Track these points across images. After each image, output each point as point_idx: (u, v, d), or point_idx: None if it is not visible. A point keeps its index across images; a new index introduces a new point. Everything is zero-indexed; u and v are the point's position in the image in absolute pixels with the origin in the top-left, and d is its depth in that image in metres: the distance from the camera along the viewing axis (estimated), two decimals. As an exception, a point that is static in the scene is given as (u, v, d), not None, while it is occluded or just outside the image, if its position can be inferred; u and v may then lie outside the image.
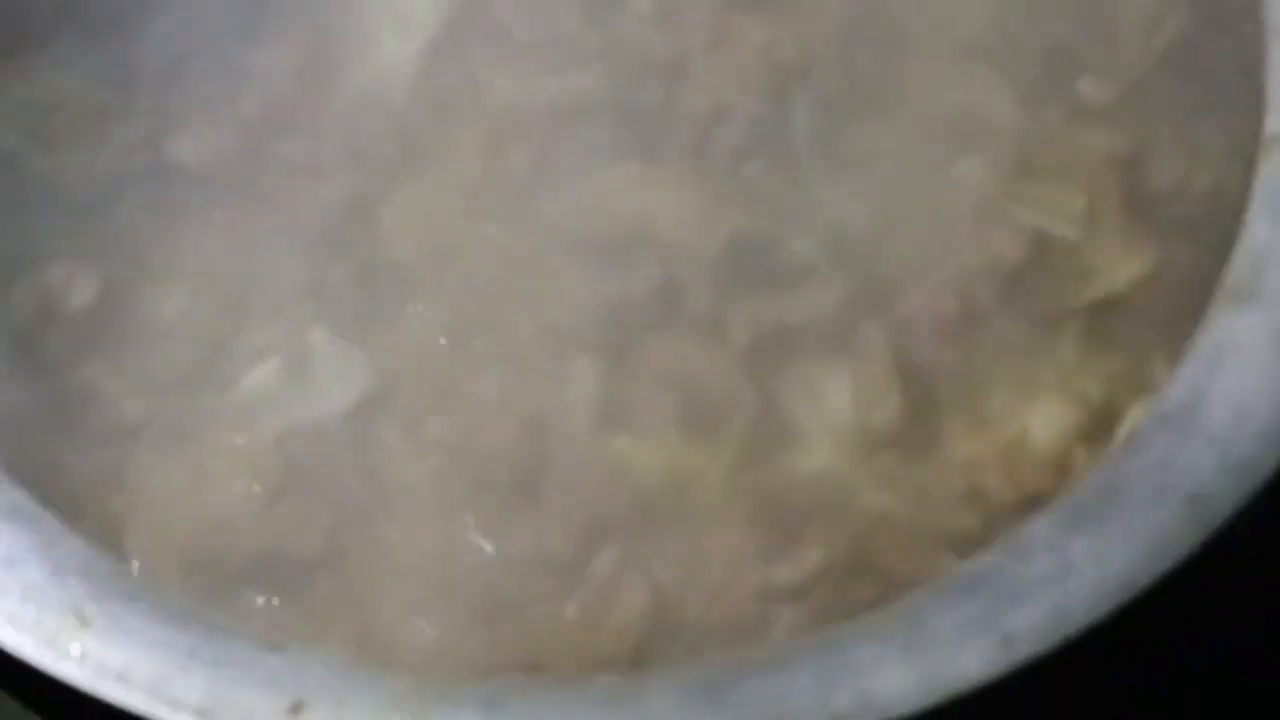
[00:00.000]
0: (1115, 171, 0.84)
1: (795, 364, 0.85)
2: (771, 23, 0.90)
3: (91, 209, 0.90)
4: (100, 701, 0.68)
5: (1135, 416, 0.77)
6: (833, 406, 0.85)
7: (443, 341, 0.88)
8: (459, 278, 0.89)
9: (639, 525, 0.82)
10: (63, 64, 0.91)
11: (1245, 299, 0.67)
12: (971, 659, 0.65)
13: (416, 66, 0.87)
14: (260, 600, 0.81)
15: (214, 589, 0.78)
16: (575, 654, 0.81)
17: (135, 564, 0.81)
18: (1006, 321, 0.84)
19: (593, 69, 0.87)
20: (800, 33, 0.89)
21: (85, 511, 0.75)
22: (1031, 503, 0.79)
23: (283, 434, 0.85)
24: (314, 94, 0.86)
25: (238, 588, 0.79)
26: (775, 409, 0.84)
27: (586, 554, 0.81)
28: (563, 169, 0.90)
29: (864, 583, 0.80)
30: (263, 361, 0.86)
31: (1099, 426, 0.83)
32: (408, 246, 0.88)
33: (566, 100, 0.89)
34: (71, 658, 0.67)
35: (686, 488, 0.83)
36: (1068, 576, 0.68)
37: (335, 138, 0.85)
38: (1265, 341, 0.72)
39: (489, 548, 0.83)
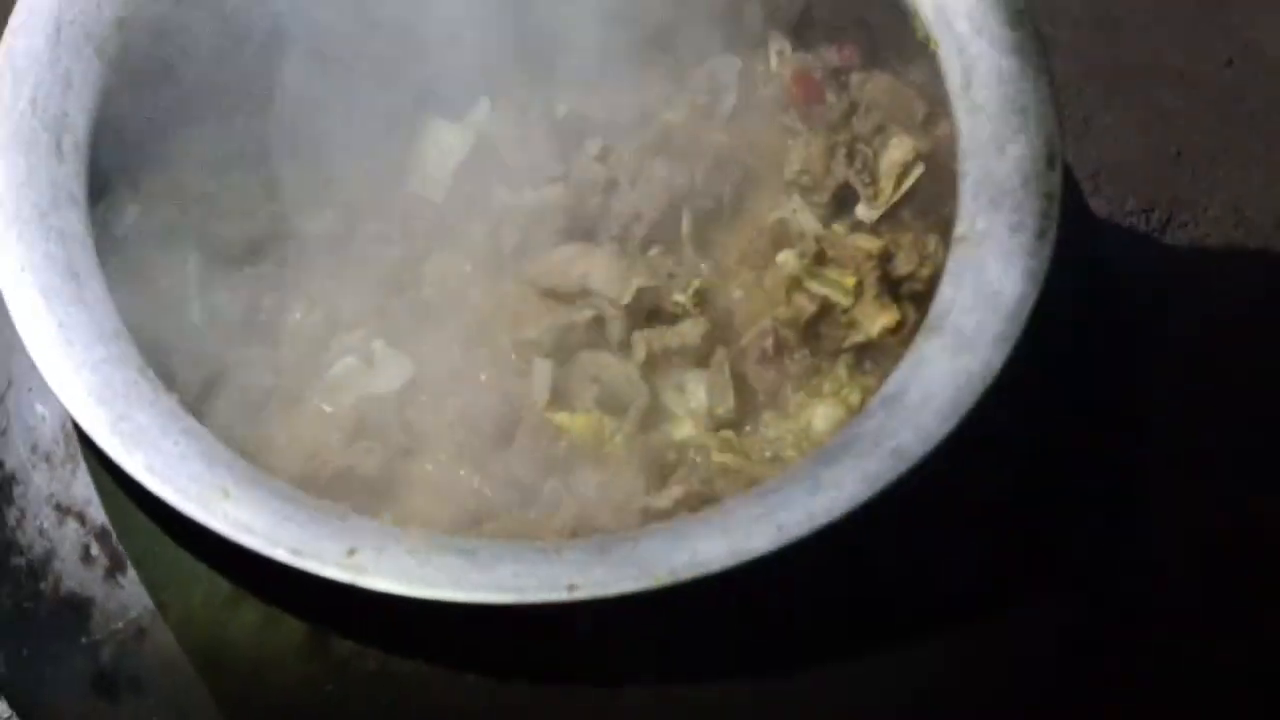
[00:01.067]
0: (874, 262, 0.86)
1: (672, 373, 0.88)
2: (670, 163, 0.91)
3: (244, 259, 0.90)
4: (233, 543, 0.69)
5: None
6: (694, 400, 0.88)
7: (455, 350, 0.90)
8: (468, 310, 0.91)
9: (572, 466, 0.86)
10: (228, 169, 0.90)
11: (934, 331, 0.72)
12: (759, 539, 0.68)
13: (450, 180, 0.91)
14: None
15: (309, 491, 0.81)
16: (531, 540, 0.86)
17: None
18: (803, 354, 0.87)
19: (558, 186, 0.91)
20: (688, 169, 0.91)
21: (235, 436, 0.76)
22: (809, 460, 0.85)
23: (356, 403, 0.88)
24: (386, 193, 0.90)
25: (323, 491, 0.83)
26: (659, 399, 0.88)
27: (540, 482, 0.84)
28: (537, 245, 0.92)
29: (708, 507, 0.85)
30: (344, 358, 0.89)
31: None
32: (438, 289, 0.91)
33: (541, 205, 0.91)
34: (218, 516, 0.68)
35: (602, 445, 0.87)
36: (817, 492, 0.69)
37: (397, 220, 0.90)
38: (944, 356, 0.73)
39: (478, 476, 0.86)
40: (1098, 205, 1.45)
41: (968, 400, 0.73)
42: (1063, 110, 1.24)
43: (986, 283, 0.75)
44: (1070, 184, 0.97)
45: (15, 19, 0.79)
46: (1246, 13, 1.56)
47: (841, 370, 0.88)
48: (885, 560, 0.79)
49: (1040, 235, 0.75)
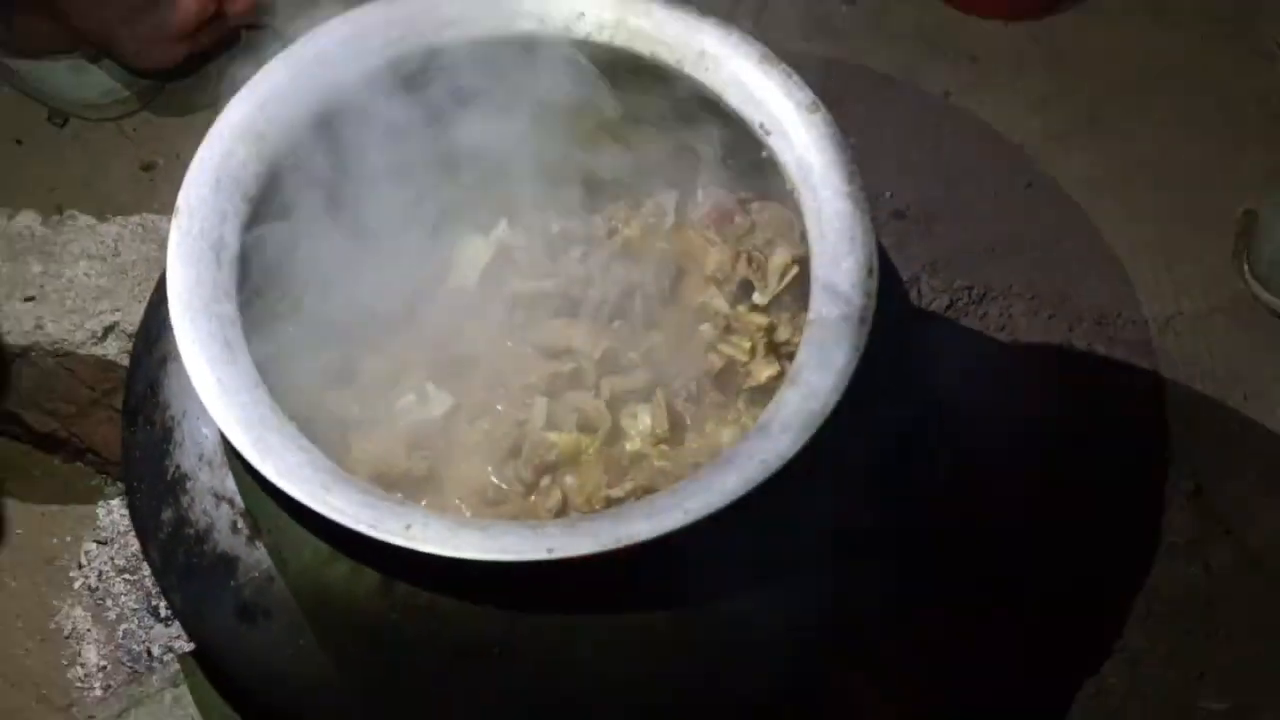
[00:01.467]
0: (763, 332, 0.90)
1: (627, 406, 0.90)
2: (627, 264, 0.93)
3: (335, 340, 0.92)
4: (331, 521, 0.71)
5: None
6: (642, 425, 0.89)
7: (482, 390, 0.91)
8: (491, 363, 0.92)
9: (558, 469, 0.87)
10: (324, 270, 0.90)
11: (792, 383, 0.75)
12: (673, 519, 0.70)
13: (479, 275, 0.94)
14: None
15: (381, 486, 0.81)
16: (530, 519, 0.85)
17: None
18: (715, 394, 0.91)
19: (552, 280, 0.93)
20: (640, 268, 0.94)
21: (331, 450, 0.77)
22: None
23: (413, 426, 0.89)
24: (436, 284, 0.93)
25: (390, 486, 0.83)
26: (618, 424, 0.89)
27: (537, 479, 0.87)
28: (538, 319, 0.93)
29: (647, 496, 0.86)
30: (406, 395, 0.90)
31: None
32: (471, 348, 0.92)
33: (541, 292, 0.93)
34: (321, 503, 0.70)
35: (579, 455, 0.88)
36: (712, 489, 0.71)
37: (444, 307, 0.93)
38: (797, 400, 0.74)
39: (495, 475, 0.87)
40: (934, 284, 1.43)
41: (811, 430, 0.74)
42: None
43: (826, 351, 0.76)
44: (896, 281, 0.98)
45: (190, 175, 0.82)
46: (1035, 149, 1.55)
47: (741, 405, 0.90)
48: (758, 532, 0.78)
49: (862, 321, 0.77)
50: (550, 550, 0.70)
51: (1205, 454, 1.34)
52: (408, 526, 0.70)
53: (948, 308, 1.42)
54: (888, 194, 1.48)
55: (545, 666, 0.76)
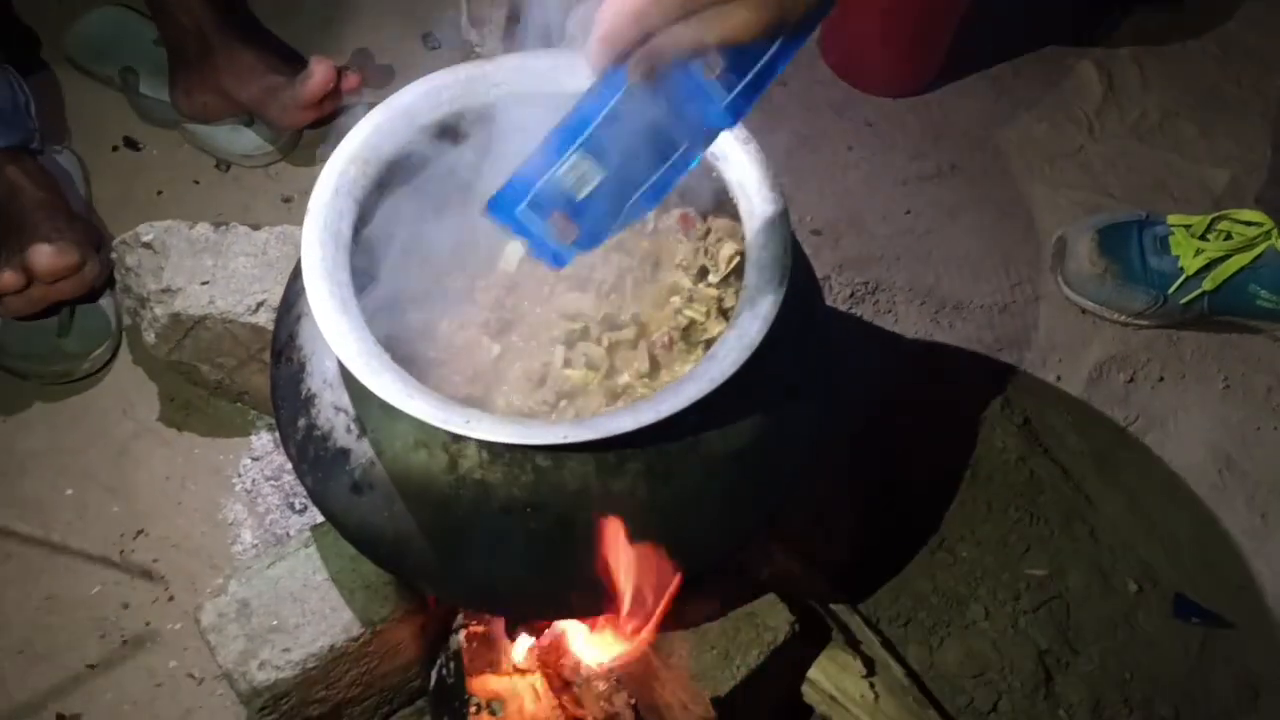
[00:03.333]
0: (715, 301, 0.88)
1: (620, 352, 0.87)
2: (620, 257, 0.91)
3: (422, 299, 0.88)
4: (415, 418, 0.70)
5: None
6: (630, 365, 0.87)
7: (519, 341, 0.88)
8: (525, 325, 0.88)
9: (573, 394, 0.84)
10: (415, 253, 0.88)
11: (731, 325, 0.75)
12: (648, 417, 0.71)
13: (518, 263, 0.90)
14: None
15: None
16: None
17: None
18: (680, 344, 0.87)
19: (569, 267, 0.85)
20: (629, 258, 0.91)
21: (418, 377, 0.75)
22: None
23: (474, 365, 0.85)
24: (490, 267, 0.89)
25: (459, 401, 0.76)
26: (613, 364, 0.86)
27: (557, 402, 0.84)
28: (559, 292, 0.89)
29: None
30: (468, 343, 0.86)
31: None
32: (512, 315, 0.88)
33: (561, 275, 0.89)
34: (410, 406, 0.70)
35: (588, 385, 0.85)
36: (675, 398, 0.72)
37: (494, 284, 0.89)
38: (733, 341, 0.74)
39: (529, 399, 0.84)
40: (840, 281, 1.42)
41: (744, 357, 0.74)
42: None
43: (755, 305, 0.77)
44: (807, 263, 0.93)
45: (317, 186, 0.80)
46: (912, 187, 1.59)
47: (699, 352, 0.88)
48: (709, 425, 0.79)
49: (778, 286, 0.77)
50: (564, 436, 0.72)
51: (1030, 398, 1.35)
52: (467, 421, 0.71)
53: (850, 297, 1.43)
54: (808, 218, 1.49)
55: (559, 519, 0.76)
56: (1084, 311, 1.42)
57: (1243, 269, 1.33)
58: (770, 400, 0.80)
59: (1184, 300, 1.36)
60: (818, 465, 0.89)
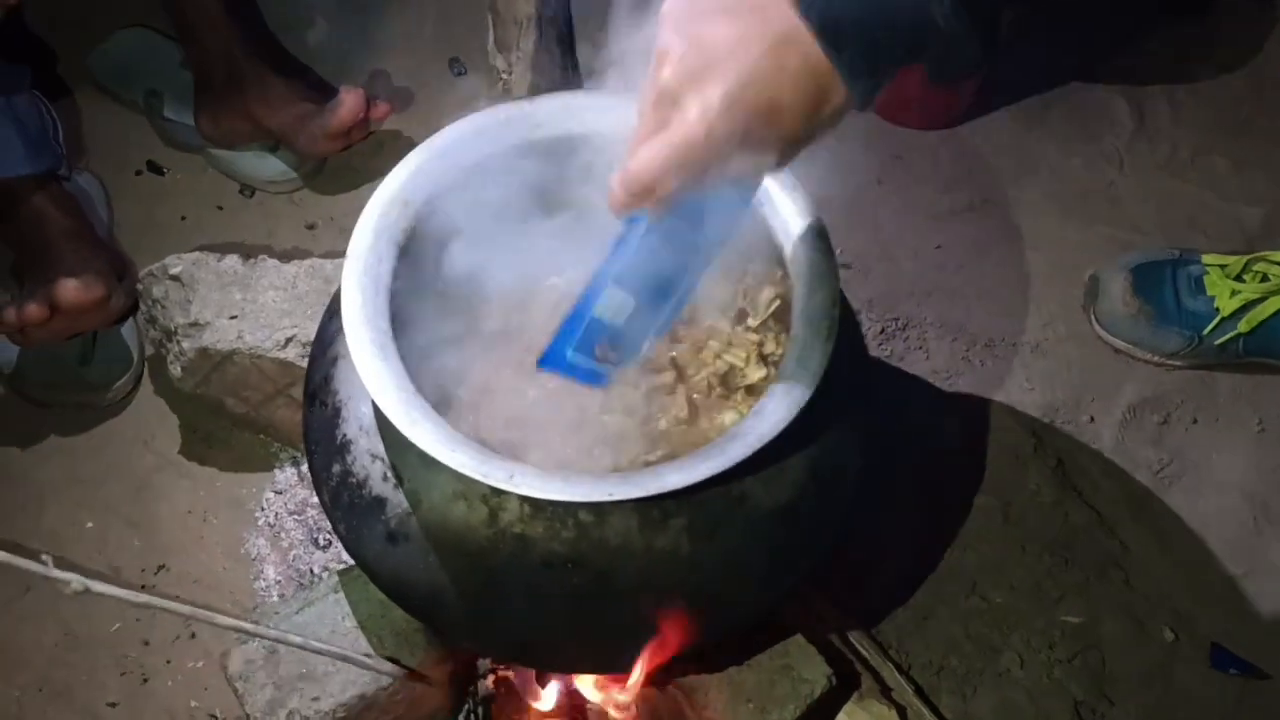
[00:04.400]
0: (755, 347, 0.86)
1: (658, 398, 0.85)
2: None
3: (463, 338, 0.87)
4: (454, 470, 0.70)
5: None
6: (669, 410, 0.85)
7: (555, 386, 0.83)
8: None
9: (610, 441, 0.82)
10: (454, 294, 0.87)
11: (780, 379, 0.74)
12: (693, 475, 0.70)
13: (549, 312, 0.86)
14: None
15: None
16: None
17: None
18: (720, 389, 0.86)
19: None
20: None
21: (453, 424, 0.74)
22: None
23: (510, 409, 0.84)
24: (521, 316, 0.88)
25: (496, 449, 0.74)
26: (652, 410, 0.84)
27: (593, 447, 0.82)
28: None
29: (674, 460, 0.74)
30: (504, 389, 0.85)
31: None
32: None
33: None
34: (448, 458, 0.69)
35: (626, 431, 0.83)
36: (721, 455, 0.71)
37: (527, 331, 0.87)
38: (780, 395, 0.73)
39: (566, 445, 0.82)
40: (870, 317, 1.42)
41: (792, 415, 0.73)
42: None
43: (804, 360, 0.76)
44: (850, 313, 0.90)
45: (357, 228, 0.79)
46: (942, 221, 1.58)
47: (738, 397, 0.86)
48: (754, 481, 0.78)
49: (828, 338, 0.76)
50: (610, 494, 0.71)
51: (1063, 439, 1.33)
52: (511, 476, 0.70)
53: (880, 333, 1.42)
54: (838, 251, 1.43)
55: (600, 575, 0.75)
56: (1117, 351, 1.41)
57: (1279, 311, 1.31)
58: (815, 455, 0.79)
59: (1219, 342, 1.34)
60: (857, 517, 0.86)
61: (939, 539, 1.23)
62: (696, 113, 0.58)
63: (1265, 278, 1.33)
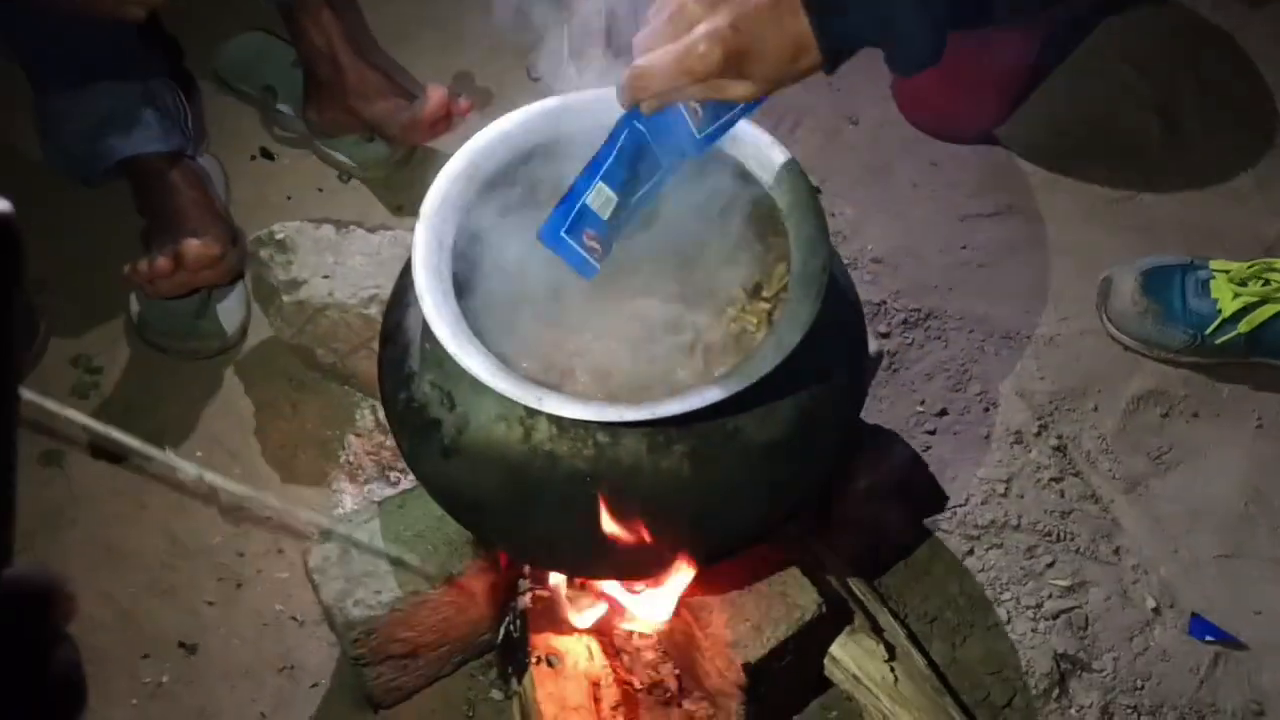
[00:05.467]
0: (767, 315, 0.93)
1: (679, 356, 0.93)
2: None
3: (504, 304, 0.94)
4: (498, 393, 0.77)
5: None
6: (689, 365, 0.92)
7: (591, 338, 0.93)
8: (596, 325, 0.94)
9: (635, 392, 0.90)
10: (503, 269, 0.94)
11: (773, 331, 0.81)
12: (694, 402, 0.78)
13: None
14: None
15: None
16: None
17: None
18: (732, 351, 0.92)
19: (638, 277, 0.96)
20: None
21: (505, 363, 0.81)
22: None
23: (550, 357, 0.91)
24: (560, 275, 0.89)
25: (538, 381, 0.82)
26: (672, 367, 0.92)
27: (620, 395, 0.90)
28: (628, 299, 0.95)
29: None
30: (546, 341, 0.93)
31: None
32: (582, 317, 0.94)
33: (634, 290, 0.97)
34: (495, 384, 0.77)
35: (647, 384, 0.91)
36: (711, 385, 0.79)
37: (568, 291, 0.92)
38: (774, 341, 0.80)
39: (597, 392, 0.91)
40: (896, 306, 1.50)
41: (777, 361, 0.80)
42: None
43: (794, 315, 0.83)
44: (848, 279, 0.99)
45: (428, 196, 0.88)
46: (971, 223, 1.65)
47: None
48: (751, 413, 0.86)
49: (816, 298, 0.83)
50: (621, 415, 0.80)
51: (1067, 423, 1.41)
52: (539, 399, 0.80)
53: (903, 322, 1.51)
54: (870, 246, 1.57)
55: (615, 489, 0.83)
56: (1126, 348, 1.48)
57: (1278, 314, 1.38)
58: (803, 401, 0.87)
59: (1220, 341, 1.41)
60: (844, 463, 0.96)
61: (943, 504, 1.32)
62: (703, 31, 0.71)
63: (1267, 283, 1.41)
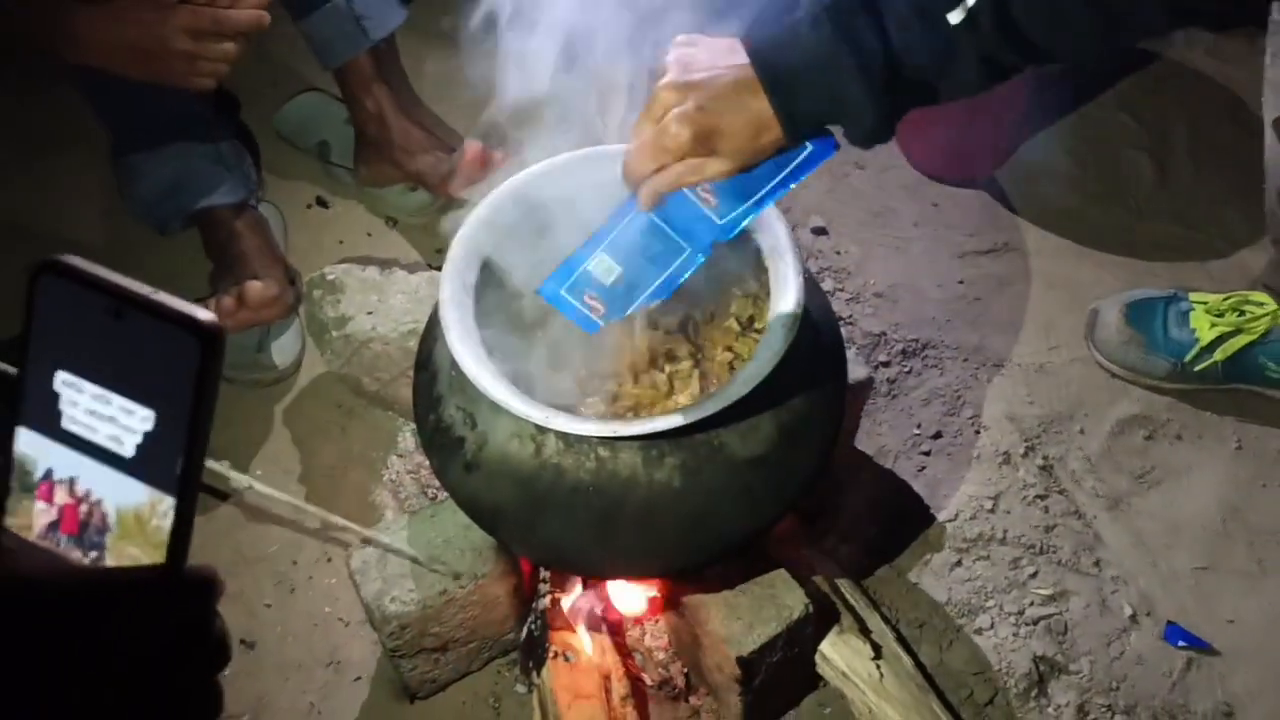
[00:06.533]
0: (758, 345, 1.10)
1: (678, 382, 1.03)
2: (686, 306, 1.07)
3: (521, 332, 1.08)
4: (516, 414, 0.84)
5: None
6: (686, 390, 1.02)
7: (599, 363, 1.03)
8: (603, 351, 1.02)
9: (638, 411, 1.00)
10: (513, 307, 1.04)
11: (750, 362, 0.91)
12: (676, 420, 0.87)
13: None
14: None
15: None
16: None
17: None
18: (726, 377, 1.00)
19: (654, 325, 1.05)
20: (693, 310, 1.11)
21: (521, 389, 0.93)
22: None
23: (561, 382, 1.01)
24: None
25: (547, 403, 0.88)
26: (673, 387, 1.02)
27: (625, 415, 0.99)
28: (640, 332, 1.04)
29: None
30: (557, 367, 1.02)
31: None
32: (591, 345, 1.01)
33: (641, 324, 1.04)
34: (513, 406, 0.85)
35: (651, 405, 1.00)
36: (694, 407, 0.89)
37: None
38: (748, 372, 0.87)
39: (608, 408, 1.02)
40: (894, 338, 1.57)
41: (753, 384, 0.88)
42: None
43: (768, 347, 0.91)
44: (830, 313, 1.06)
45: (454, 242, 0.97)
46: (968, 260, 1.73)
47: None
48: (728, 430, 0.94)
49: (789, 332, 0.90)
50: (615, 431, 0.90)
51: (1054, 444, 1.49)
52: (546, 417, 0.89)
53: (901, 352, 1.60)
54: (872, 282, 1.66)
55: (614, 499, 0.91)
56: (1114, 376, 1.55)
57: (1252, 343, 1.45)
58: (782, 419, 0.95)
59: (1199, 368, 1.49)
60: (823, 479, 1.03)
61: (931, 519, 1.40)
62: (674, 114, 0.75)
63: (1242, 314, 1.48)
